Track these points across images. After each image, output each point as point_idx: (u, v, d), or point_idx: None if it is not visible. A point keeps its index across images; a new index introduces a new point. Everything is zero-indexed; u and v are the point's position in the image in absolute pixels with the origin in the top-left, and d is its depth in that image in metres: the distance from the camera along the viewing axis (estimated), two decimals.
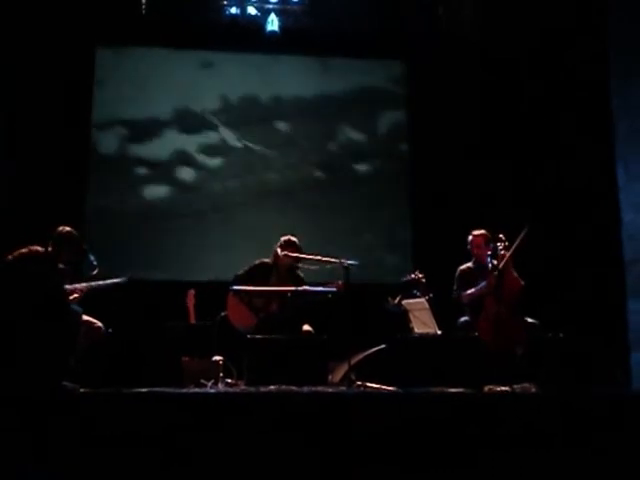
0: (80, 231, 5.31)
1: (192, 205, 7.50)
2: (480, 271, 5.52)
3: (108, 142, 7.46)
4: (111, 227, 7.23)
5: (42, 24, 7.03)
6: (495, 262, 5.31)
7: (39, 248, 4.83)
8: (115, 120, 7.50)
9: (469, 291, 5.49)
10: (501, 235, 5.34)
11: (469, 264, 5.66)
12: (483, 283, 5.38)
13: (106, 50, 7.57)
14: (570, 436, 3.91)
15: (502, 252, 5.26)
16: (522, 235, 5.22)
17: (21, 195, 6.74)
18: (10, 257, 4.67)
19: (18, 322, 4.34)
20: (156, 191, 7.50)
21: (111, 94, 7.48)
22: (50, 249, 4.95)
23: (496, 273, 5.25)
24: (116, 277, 5.20)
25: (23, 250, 4.76)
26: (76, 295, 4.97)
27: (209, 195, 7.56)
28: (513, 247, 5.25)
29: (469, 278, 5.55)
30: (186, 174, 7.58)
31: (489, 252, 5.50)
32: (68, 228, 5.12)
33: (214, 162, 7.64)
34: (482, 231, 5.62)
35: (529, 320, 5.30)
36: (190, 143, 7.61)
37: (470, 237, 5.65)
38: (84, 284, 5.06)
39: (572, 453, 3.86)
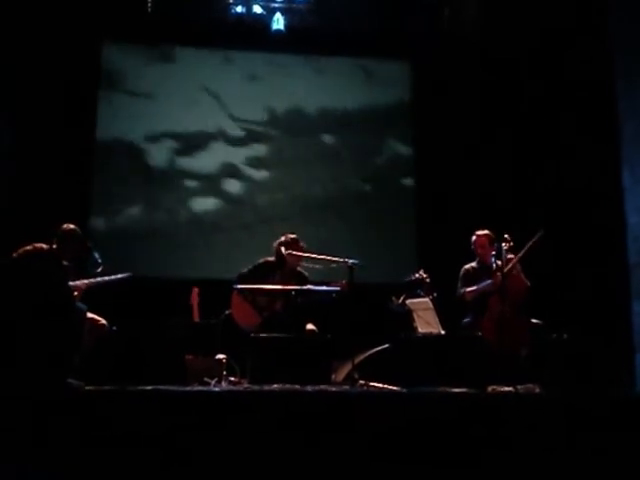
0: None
1: (238, 217, 7.57)
2: (484, 271, 5.52)
3: (158, 154, 7.58)
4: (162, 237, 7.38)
5: (45, 24, 7.03)
6: (500, 262, 5.30)
7: (44, 245, 4.84)
8: (163, 133, 7.61)
9: (472, 288, 5.49)
10: (506, 235, 5.34)
11: (473, 264, 5.67)
12: (488, 281, 5.37)
13: (112, 48, 7.61)
14: (574, 437, 3.91)
15: (507, 252, 5.26)
16: (535, 239, 5.21)
17: (26, 196, 6.75)
18: (15, 255, 4.69)
19: (23, 319, 4.36)
20: (203, 203, 7.60)
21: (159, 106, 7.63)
22: (55, 246, 4.97)
23: (499, 274, 5.24)
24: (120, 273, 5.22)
25: (28, 247, 4.78)
26: (76, 293, 4.98)
27: (255, 207, 7.63)
28: (525, 249, 5.24)
29: (473, 278, 5.56)
30: (233, 186, 7.64)
31: (493, 252, 5.50)
32: (72, 225, 5.14)
33: (260, 174, 7.73)
34: (486, 231, 5.63)
35: (533, 321, 5.29)
36: (237, 155, 7.71)
37: (474, 237, 5.66)
38: (85, 281, 5.07)
39: (576, 454, 3.86)
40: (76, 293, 4.98)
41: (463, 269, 5.66)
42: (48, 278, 4.63)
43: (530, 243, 5.24)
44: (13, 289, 4.55)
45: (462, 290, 5.57)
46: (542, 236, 5.20)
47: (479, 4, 7.68)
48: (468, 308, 5.55)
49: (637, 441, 3.91)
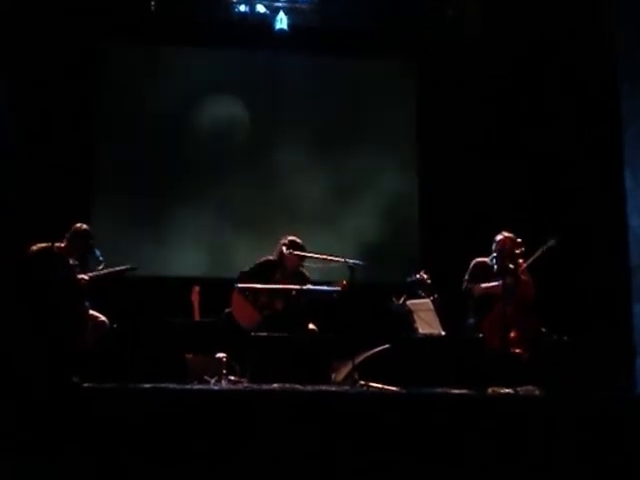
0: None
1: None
2: (495, 270, 5.47)
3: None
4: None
5: (48, 21, 7.04)
6: (512, 265, 5.26)
7: (49, 245, 4.88)
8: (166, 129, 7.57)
9: (486, 284, 5.38)
10: (519, 240, 5.31)
11: (486, 259, 5.56)
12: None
13: (116, 47, 7.61)
14: (573, 439, 3.90)
15: (518, 256, 5.25)
16: (545, 247, 5.18)
17: (26, 195, 6.76)
18: (20, 255, 4.72)
19: (29, 318, 4.38)
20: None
21: None
22: (63, 245, 5.00)
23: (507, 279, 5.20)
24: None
25: (33, 247, 4.82)
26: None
27: (255, 207, 7.58)
28: (534, 256, 5.21)
29: (483, 273, 5.47)
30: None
31: (494, 254, 5.46)
32: (85, 226, 5.18)
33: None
34: (511, 235, 5.51)
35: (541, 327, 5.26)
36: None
37: (499, 237, 5.49)
38: (89, 274, 5.07)
39: (574, 456, 3.86)
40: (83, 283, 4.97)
41: (475, 261, 5.55)
42: (54, 277, 4.66)
43: (540, 251, 5.19)
44: (20, 288, 4.59)
45: (471, 285, 5.46)
46: (553, 245, 5.16)
47: (482, 4, 7.68)
48: (471, 308, 5.51)
49: (637, 443, 3.91)
